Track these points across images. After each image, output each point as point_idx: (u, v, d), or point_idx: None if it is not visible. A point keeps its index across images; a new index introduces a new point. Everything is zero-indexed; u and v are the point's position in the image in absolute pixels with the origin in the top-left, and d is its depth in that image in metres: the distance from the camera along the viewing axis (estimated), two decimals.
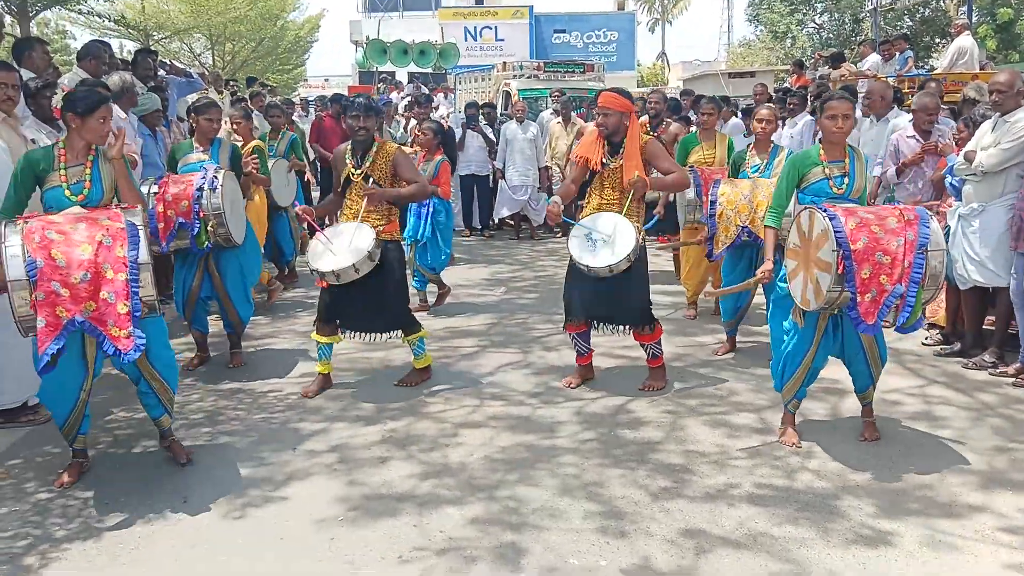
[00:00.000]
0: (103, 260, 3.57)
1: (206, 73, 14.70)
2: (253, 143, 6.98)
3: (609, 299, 5.00)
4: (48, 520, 3.64)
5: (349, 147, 5.16)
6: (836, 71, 11.32)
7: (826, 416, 4.70)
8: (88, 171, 3.96)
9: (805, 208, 4.13)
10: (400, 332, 5.28)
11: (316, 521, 3.62)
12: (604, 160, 4.97)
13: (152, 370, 4.05)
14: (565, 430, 4.58)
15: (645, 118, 8.44)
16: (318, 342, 5.20)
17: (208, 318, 5.81)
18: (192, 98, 9.57)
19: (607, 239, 4.84)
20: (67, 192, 3.90)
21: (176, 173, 5.54)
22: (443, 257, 7.27)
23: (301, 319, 6.97)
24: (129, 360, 3.67)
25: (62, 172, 3.90)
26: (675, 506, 3.71)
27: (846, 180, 4.26)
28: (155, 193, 5.18)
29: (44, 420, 4.70)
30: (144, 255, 3.67)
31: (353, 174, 5.09)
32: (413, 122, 11.22)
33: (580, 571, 3.22)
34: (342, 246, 4.89)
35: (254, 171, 6.07)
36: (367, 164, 5.06)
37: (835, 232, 3.85)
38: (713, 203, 5.65)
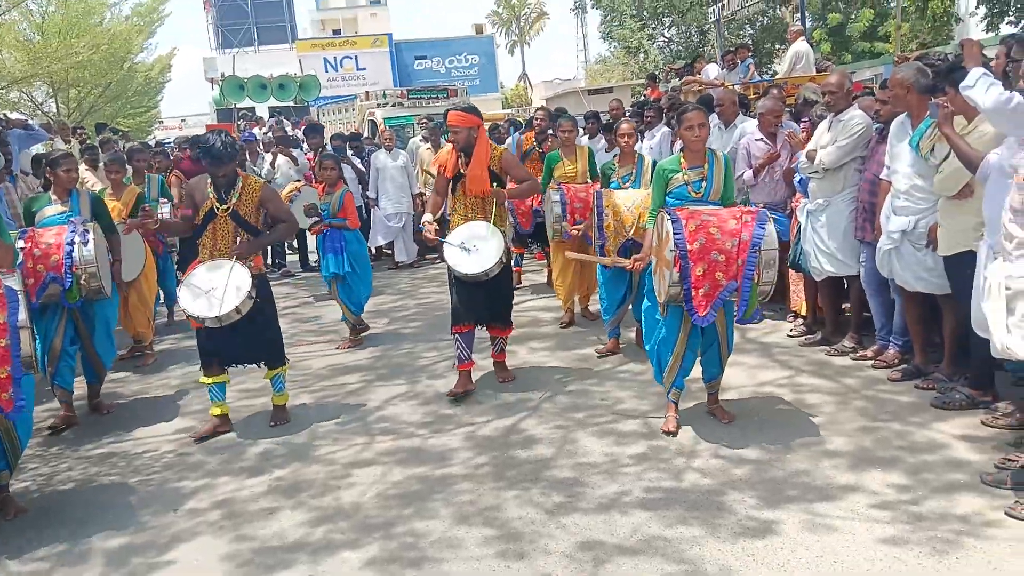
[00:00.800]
0: None
1: (51, 122, 13.97)
2: (130, 189, 6.93)
3: (485, 300, 5.49)
4: None
5: (209, 180, 5.02)
6: (689, 77, 11.86)
7: (705, 413, 4.86)
8: None
9: (662, 211, 4.51)
10: (265, 366, 5.25)
11: None
12: (461, 170, 5.44)
13: (9, 426, 4.08)
14: (458, 457, 4.56)
15: (531, 132, 8.97)
16: (208, 384, 5.13)
17: (72, 375, 5.53)
18: (36, 149, 9.09)
19: (477, 248, 5.31)
20: None
21: (34, 226, 5.37)
22: (365, 288, 7.21)
23: (173, 372, 6.67)
24: (11, 419, 3.92)
25: None
26: (571, 520, 3.76)
27: (703, 184, 4.62)
28: (22, 248, 5.04)
29: None
30: (23, 318, 3.80)
31: (218, 208, 4.98)
32: (280, 158, 11.00)
33: None
34: (220, 289, 4.82)
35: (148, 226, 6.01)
36: (233, 200, 4.98)
37: (674, 235, 4.29)
38: (600, 214, 6.02)
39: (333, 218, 7.00)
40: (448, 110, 5.66)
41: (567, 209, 6.68)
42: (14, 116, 12.06)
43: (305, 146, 13.51)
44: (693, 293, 4.30)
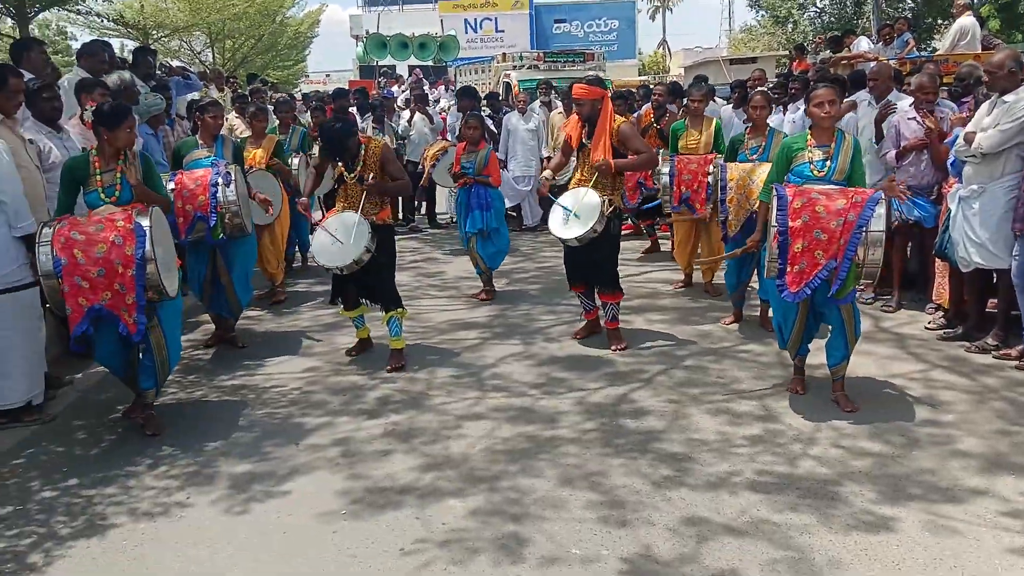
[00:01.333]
0: (115, 257, 4.16)
1: (207, 71, 14.72)
2: (269, 138, 7.27)
3: (585, 264, 5.69)
4: (52, 518, 3.67)
5: None
6: (837, 55, 11.26)
7: (830, 402, 4.67)
8: (118, 175, 4.47)
9: (773, 187, 4.49)
10: (382, 309, 5.60)
11: (319, 515, 3.64)
12: (583, 140, 5.58)
13: (162, 342, 4.51)
14: (567, 420, 4.58)
15: (649, 106, 8.69)
16: (348, 316, 5.76)
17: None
18: (191, 97, 9.62)
19: (577, 214, 5.45)
20: (102, 195, 4.43)
21: (182, 169, 5.70)
22: (505, 245, 7.41)
23: (304, 314, 6.99)
24: (135, 340, 4.34)
25: (97, 177, 4.44)
26: (677, 495, 3.71)
27: (828, 163, 4.50)
28: (172, 190, 5.42)
29: (48, 420, 4.74)
30: (148, 251, 4.18)
31: (346, 176, 5.40)
32: (417, 116, 11.20)
33: (581, 561, 3.23)
34: (343, 240, 5.26)
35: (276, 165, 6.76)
36: (359, 167, 5.35)
37: (777, 211, 4.33)
38: (724, 188, 5.99)
39: (478, 175, 7.13)
40: (572, 83, 5.76)
41: (675, 181, 6.78)
42: (175, 64, 12.76)
43: (442, 104, 13.71)
44: (788, 268, 4.32)
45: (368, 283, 5.50)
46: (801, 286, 4.31)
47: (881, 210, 4.24)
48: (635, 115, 9.08)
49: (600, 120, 5.46)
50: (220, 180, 5.47)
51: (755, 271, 6.01)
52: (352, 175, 5.36)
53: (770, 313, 5.57)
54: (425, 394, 5.04)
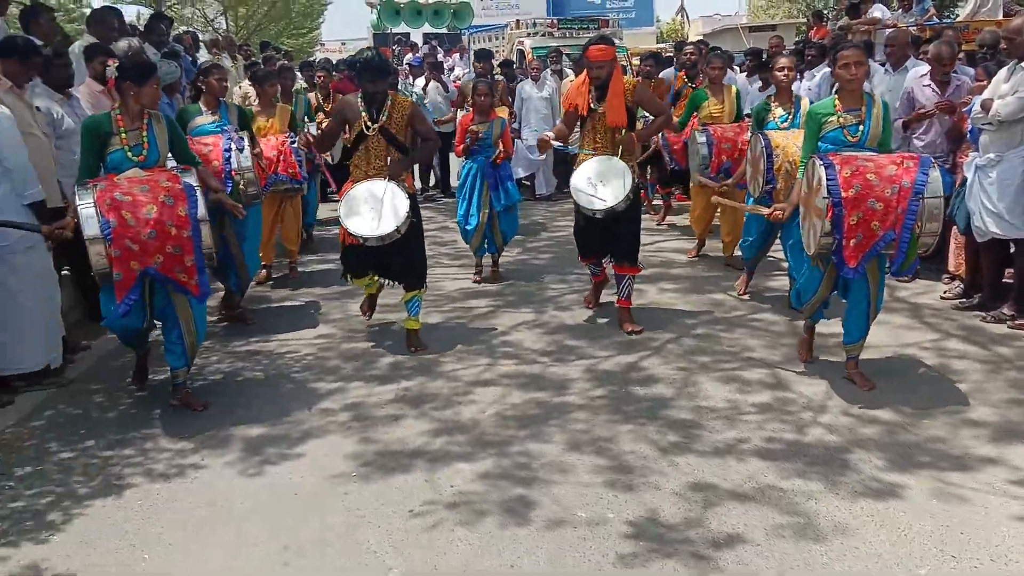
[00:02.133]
0: (167, 218, 4.02)
1: (219, 38, 14.68)
2: (283, 107, 7.01)
3: (607, 236, 5.44)
4: (70, 478, 3.73)
5: (360, 99, 5.08)
6: (854, 20, 11.08)
7: (841, 372, 4.65)
8: (144, 134, 4.34)
9: (813, 157, 4.26)
10: (404, 288, 5.25)
11: (330, 477, 3.69)
12: (592, 105, 5.31)
13: (191, 316, 4.34)
14: (576, 387, 4.60)
15: (681, 71, 8.45)
16: (359, 285, 5.55)
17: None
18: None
19: (605, 183, 5.20)
20: (128, 154, 4.28)
21: (189, 136, 5.58)
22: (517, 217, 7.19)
23: (317, 283, 7.01)
24: (199, 302, 4.29)
25: (122, 136, 4.28)
26: (684, 460, 3.73)
27: (861, 128, 4.33)
28: None
29: (66, 383, 4.82)
30: (203, 212, 4.11)
31: (369, 127, 5.04)
32: (431, 84, 11.11)
33: (587, 524, 3.26)
34: (380, 209, 4.91)
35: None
36: (383, 118, 5.03)
37: (828, 180, 4.00)
38: (770, 156, 5.50)
39: (494, 146, 6.75)
40: (589, 45, 5.34)
41: (714, 151, 6.50)
42: (184, 31, 12.74)
43: (456, 72, 13.60)
44: (844, 243, 4.04)
45: (396, 260, 5.10)
46: (860, 260, 4.06)
47: (936, 174, 4.00)
48: (667, 77, 8.96)
49: (612, 82, 5.20)
50: (233, 145, 5.36)
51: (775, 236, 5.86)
52: (376, 125, 5.00)
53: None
54: (436, 361, 5.07)
